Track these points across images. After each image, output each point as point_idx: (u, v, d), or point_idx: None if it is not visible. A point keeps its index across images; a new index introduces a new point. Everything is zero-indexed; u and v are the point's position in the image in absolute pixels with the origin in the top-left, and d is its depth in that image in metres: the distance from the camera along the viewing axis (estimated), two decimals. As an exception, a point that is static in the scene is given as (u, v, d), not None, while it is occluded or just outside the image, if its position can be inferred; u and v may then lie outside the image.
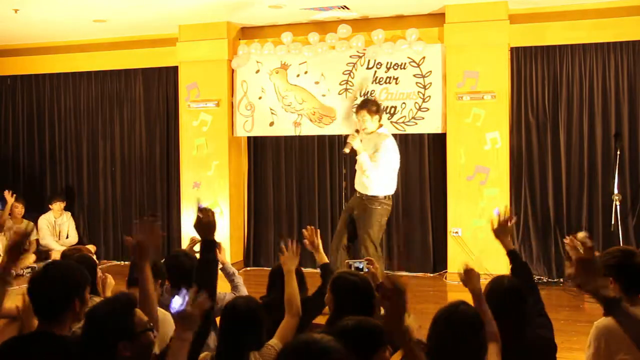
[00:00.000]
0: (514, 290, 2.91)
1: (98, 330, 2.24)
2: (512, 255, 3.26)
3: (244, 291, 4.18)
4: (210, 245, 2.68)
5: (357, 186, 6.27)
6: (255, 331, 2.82)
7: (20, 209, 8.58)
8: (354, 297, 3.01)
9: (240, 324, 2.77)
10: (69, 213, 8.94)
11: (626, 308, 2.24)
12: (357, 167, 6.29)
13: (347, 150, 6.22)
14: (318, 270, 3.78)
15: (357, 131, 6.22)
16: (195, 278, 2.59)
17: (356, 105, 6.34)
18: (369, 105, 6.26)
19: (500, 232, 3.25)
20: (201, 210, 2.71)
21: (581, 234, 2.76)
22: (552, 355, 2.97)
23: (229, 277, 4.21)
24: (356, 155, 6.22)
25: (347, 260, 3.89)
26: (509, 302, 2.86)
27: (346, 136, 6.48)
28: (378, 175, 6.11)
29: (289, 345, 1.84)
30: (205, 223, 2.70)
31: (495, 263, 7.04)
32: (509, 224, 3.26)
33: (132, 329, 2.27)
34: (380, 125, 6.30)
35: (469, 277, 2.81)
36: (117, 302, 2.36)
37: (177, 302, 2.28)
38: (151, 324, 2.37)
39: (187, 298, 2.29)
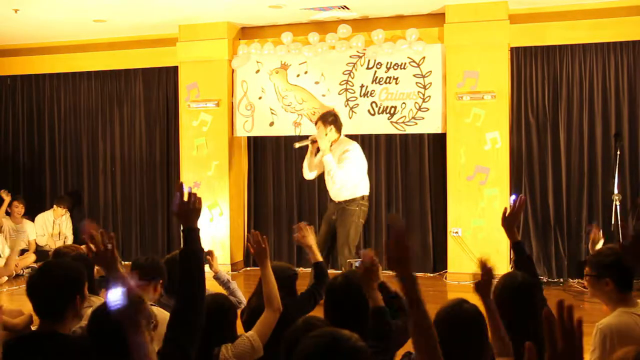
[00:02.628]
0: (527, 286, 2.89)
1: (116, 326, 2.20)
2: (517, 247, 3.19)
3: (240, 296, 4.16)
4: (193, 235, 2.36)
5: (334, 197, 6.49)
6: (222, 326, 2.81)
7: (20, 209, 8.60)
8: (341, 298, 3.01)
9: (207, 319, 2.70)
10: (68, 214, 8.94)
11: None
12: (326, 176, 6.51)
13: (297, 145, 6.68)
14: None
15: (314, 141, 6.54)
16: (181, 274, 2.35)
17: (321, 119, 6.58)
18: (333, 117, 6.55)
19: (511, 221, 3.17)
20: (188, 194, 2.38)
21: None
22: None
23: (225, 285, 4.18)
24: (306, 152, 6.63)
25: (349, 260, 3.88)
26: (523, 298, 2.83)
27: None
28: (349, 177, 6.34)
29: (312, 339, 1.69)
30: (190, 209, 2.37)
31: (495, 263, 7.05)
32: (520, 214, 3.22)
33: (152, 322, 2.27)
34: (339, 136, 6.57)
35: (480, 288, 2.73)
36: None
37: (115, 296, 2.04)
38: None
39: (121, 288, 2.01)
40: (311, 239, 3.75)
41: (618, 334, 2.75)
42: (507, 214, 3.19)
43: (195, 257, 2.35)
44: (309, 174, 6.72)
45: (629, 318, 2.85)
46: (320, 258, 3.79)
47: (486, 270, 2.72)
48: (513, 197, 3.33)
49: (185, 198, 2.39)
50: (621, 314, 2.89)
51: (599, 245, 3.86)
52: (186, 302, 2.31)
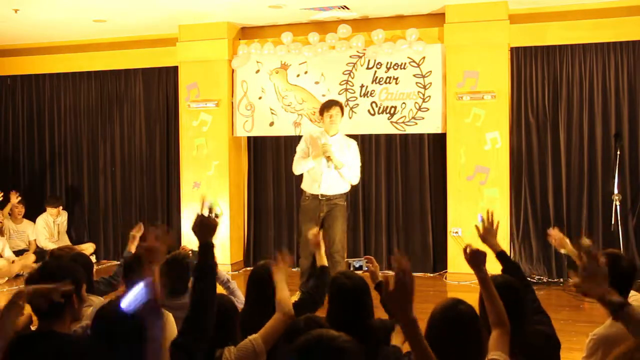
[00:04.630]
0: (506, 286, 2.88)
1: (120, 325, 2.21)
2: (501, 257, 3.23)
3: (240, 296, 4.17)
4: (209, 249, 2.52)
5: (327, 190, 6.31)
6: (225, 327, 2.81)
7: (20, 209, 8.59)
8: (349, 299, 3.02)
9: None
10: (66, 213, 8.93)
11: (633, 312, 2.21)
12: (322, 168, 6.32)
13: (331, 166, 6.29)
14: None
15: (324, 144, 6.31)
16: (196, 286, 2.49)
17: (327, 104, 6.48)
18: (340, 104, 6.49)
19: (487, 235, 3.21)
20: (208, 209, 2.55)
21: (586, 241, 2.74)
22: (555, 351, 2.94)
23: (224, 284, 4.19)
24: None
25: (347, 260, 3.91)
26: (504, 298, 2.82)
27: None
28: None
29: (303, 339, 1.73)
30: (208, 224, 2.55)
31: (494, 264, 7.04)
32: (494, 226, 3.22)
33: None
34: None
35: (474, 257, 2.75)
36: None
37: (133, 297, 2.08)
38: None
39: (142, 290, 2.09)
40: (321, 245, 3.87)
41: (611, 345, 2.76)
42: (481, 232, 3.22)
43: (210, 271, 2.50)
44: (301, 172, 6.53)
45: (621, 328, 2.83)
46: (325, 263, 3.81)
47: (484, 235, 2.77)
48: (479, 216, 3.40)
49: (205, 213, 2.54)
50: (613, 324, 2.87)
51: (568, 246, 3.88)
52: (199, 311, 2.43)
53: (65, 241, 8.63)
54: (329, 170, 6.26)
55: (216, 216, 2.58)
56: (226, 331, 2.85)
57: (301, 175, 6.58)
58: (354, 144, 6.52)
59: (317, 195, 6.34)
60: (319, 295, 3.63)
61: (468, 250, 2.72)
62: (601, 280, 2.27)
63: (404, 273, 1.97)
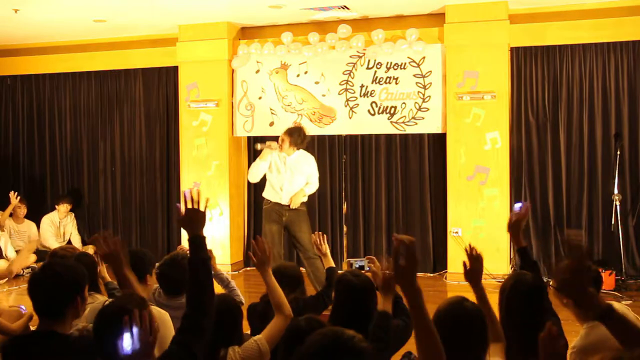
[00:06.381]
0: (538, 287, 2.85)
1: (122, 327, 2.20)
2: (523, 252, 3.17)
3: (239, 295, 4.17)
4: (201, 243, 2.39)
5: (285, 200, 6.40)
6: (229, 327, 2.81)
7: (22, 209, 8.59)
8: (355, 298, 3.03)
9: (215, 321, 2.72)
10: (73, 214, 8.94)
11: (619, 316, 2.07)
12: (275, 178, 6.49)
13: (260, 147, 6.52)
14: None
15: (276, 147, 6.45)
16: (191, 282, 2.38)
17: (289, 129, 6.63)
18: (294, 134, 6.45)
19: (516, 228, 3.16)
20: (191, 201, 2.42)
21: (576, 234, 2.58)
22: (563, 354, 2.94)
23: (224, 283, 4.18)
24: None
25: (348, 259, 3.93)
26: (534, 299, 2.80)
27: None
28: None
29: (316, 338, 1.71)
30: (194, 217, 2.42)
31: (495, 263, 7.06)
32: (524, 219, 3.16)
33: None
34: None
35: (470, 275, 2.74)
36: (133, 299, 2.35)
37: (128, 342, 2.05)
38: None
39: (134, 333, 2.07)
40: (325, 247, 3.94)
41: (592, 352, 2.74)
42: (512, 221, 3.17)
43: (203, 265, 2.38)
44: (257, 177, 6.66)
45: (598, 332, 2.77)
46: (332, 264, 3.84)
47: (475, 257, 2.74)
48: (519, 204, 3.28)
49: (189, 205, 2.42)
50: (589, 332, 2.86)
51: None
52: (196, 308, 2.35)
53: (75, 242, 8.64)
54: (290, 186, 6.40)
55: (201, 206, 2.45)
56: (230, 331, 2.84)
57: (263, 184, 6.67)
58: (312, 161, 6.61)
59: (279, 201, 6.48)
60: (327, 294, 3.65)
61: (468, 266, 2.71)
62: (586, 282, 2.06)
63: (409, 246, 2.03)
